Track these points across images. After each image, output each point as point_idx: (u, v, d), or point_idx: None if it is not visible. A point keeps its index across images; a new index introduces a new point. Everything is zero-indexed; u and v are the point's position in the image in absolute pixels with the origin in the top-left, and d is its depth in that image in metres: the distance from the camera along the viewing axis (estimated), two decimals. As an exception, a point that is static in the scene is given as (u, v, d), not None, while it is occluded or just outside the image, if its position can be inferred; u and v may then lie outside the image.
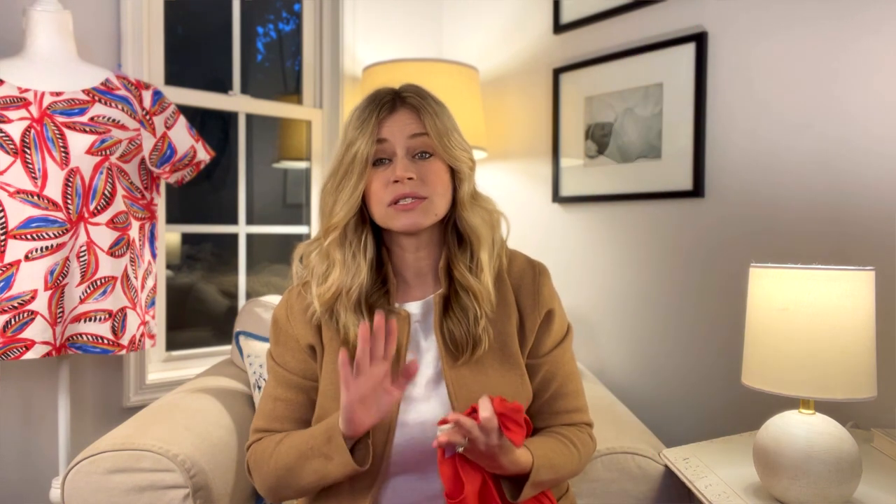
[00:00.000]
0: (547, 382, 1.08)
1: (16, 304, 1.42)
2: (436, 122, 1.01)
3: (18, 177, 1.42)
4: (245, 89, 2.24)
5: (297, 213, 2.45)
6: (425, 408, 1.01)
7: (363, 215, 1.03)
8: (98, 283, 1.51)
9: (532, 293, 1.08)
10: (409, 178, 0.97)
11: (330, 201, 1.02)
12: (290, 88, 2.42)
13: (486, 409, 0.87)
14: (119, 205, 1.55)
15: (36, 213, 1.43)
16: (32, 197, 1.43)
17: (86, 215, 1.50)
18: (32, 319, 1.43)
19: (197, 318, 2.22)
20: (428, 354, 1.04)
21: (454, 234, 1.06)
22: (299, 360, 1.06)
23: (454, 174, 1.04)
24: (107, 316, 1.52)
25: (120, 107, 1.55)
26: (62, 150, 1.46)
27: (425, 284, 1.07)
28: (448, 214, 1.05)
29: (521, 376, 1.04)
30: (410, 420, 1.00)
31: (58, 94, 1.49)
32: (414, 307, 1.05)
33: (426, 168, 1.00)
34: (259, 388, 1.57)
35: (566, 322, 1.13)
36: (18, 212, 1.42)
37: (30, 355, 1.43)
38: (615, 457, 1.25)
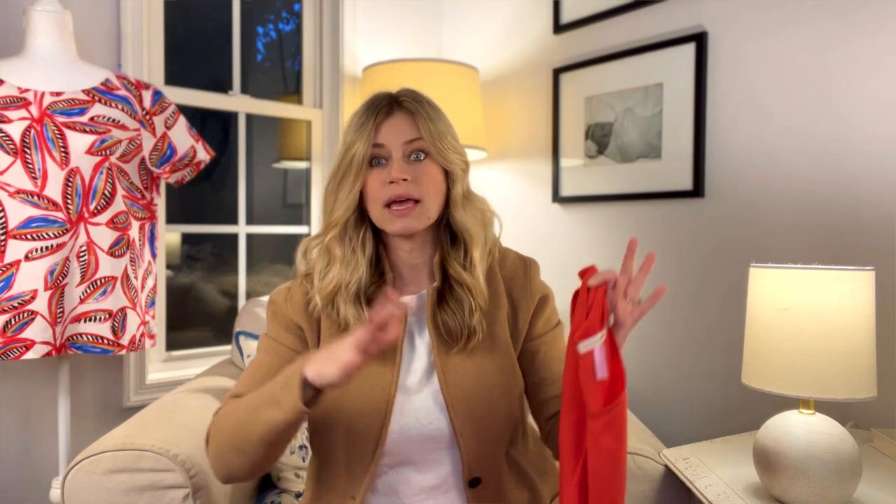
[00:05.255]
0: (548, 362, 1.10)
1: (16, 304, 1.42)
2: (430, 127, 1.05)
3: (18, 177, 1.42)
4: (245, 89, 2.24)
5: (297, 213, 2.45)
6: (418, 398, 1.04)
7: (362, 213, 1.07)
8: (98, 283, 1.51)
9: (524, 284, 1.12)
10: (404, 180, 1.01)
11: (331, 200, 1.06)
12: (290, 88, 2.42)
13: (595, 277, 0.85)
14: (119, 205, 1.55)
15: (36, 213, 1.43)
16: (32, 197, 1.43)
17: (86, 215, 1.50)
18: (32, 319, 1.43)
19: (197, 318, 2.22)
20: (421, 346, 1.07)
21: (447, 232, 1.10)
22: (292, 333, 1.08)
23: (447, 175, 1.07)
24: (107, 316, 1.52)
25: (120, 107, 1.55)
26: (62, 150, 1.46)
27: (420, 280, 1.11)
28: (441, 214, 1.08)
29: (511, 366, 1.07)
30: (405, 410, 1.03)
31: (58, 94, 1.49)
32: (409, 300, 1.09)
33: (420, 170, 1.03)
34: (259, 388, 1.57)
35: (557, 315, 1.16)
36: (18, 212, 1.42)
37: (30, 355, 1.43)
38: (615, 457, 1.24)
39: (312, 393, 0.89)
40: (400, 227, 1.02)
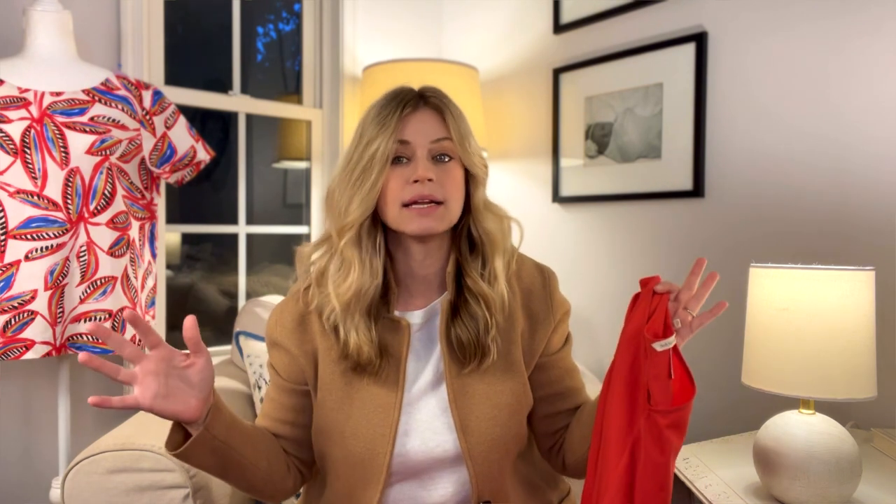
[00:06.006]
0: (561, 377, 1.08)
1: (16, 304, 1.42)
2: (458, 126, 0.99)
3: (18, 177, 1.42)
4: (245, 89, 2.24)
5: (297, 213, 2.45)
6: (424, 419, 1.00)
7: (374, 216, 0.99)
8: (98, 283, 1.51)
9: (544, 298, 1.07)
10: (429, 180, 0.95)
11: (345, 199, 0.97)
12: (290, 88, 2.42)
13: (663, 284, 0.89)
14: (119, 205, 1.55)
15: (36, 213, 1.43)
16: (32, 197, 1.43)
17: (86, 215, 1.50)
18: (32, 319, 1.43)
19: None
20: (428, 364, 1.02)
21: (466, 240, 1.03)
22: (285, 364, 1.04)
23: (469, 179, 1.02)
24: (107, 316, 1.52)
25: (120, 107, 1.55)
26: (62, 150, 1.46)
27: (429, 292, 1.04)
28: (459, 220, 1.02)
29: (523, 384, 1.03)
30: (410, 432, 0.99)
31: (58, 94, 1.49)
32: (415, 316, 1.03)
33: (445, 172, 0.97)
34: (259, 388, 1.57)
35: (568, 328, 1.13)
36: (18, 212, 1.42)
37: (30, 355, 1.43)
38: (615, 457, 1.24)
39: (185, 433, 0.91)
40: (419, 228, 0.95)
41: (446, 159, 0.98)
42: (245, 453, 0.95)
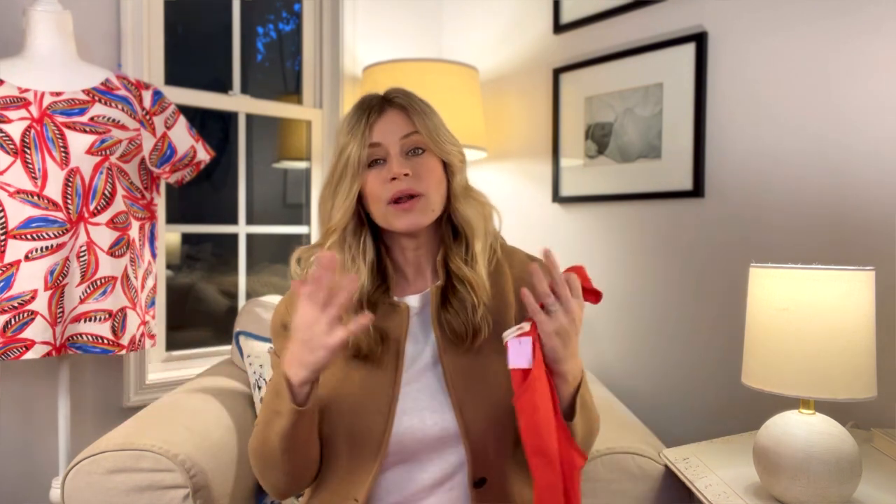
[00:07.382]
0: None
1: (16, 304, 1.42)
2: (425, 120, 1.05)
3: (18, 177, 1.42)
4: (245, 89, 2.24)
5: (297, 213, 2.45)
6: (422, 399, 1.03)
7: (361, 218, 1.06)
8: (98, 283, 1.51)
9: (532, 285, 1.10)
10: (405, 175, 1.00)
11: (328, 206, 1.05)
12: (290, 88, 2.42)
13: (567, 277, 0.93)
14: (119, 205, 1.55)
15: (36, 213, 1.43)
16: (32, 197, 1.43)
17: (86, 215, 1.50)
18: (32, 319, 1.43)
19: (197, 318, 2.22)
20: (426, 346, 1.07)
21: (448, 227, 1.09)
22: None
23: (446, 168, 1.07)
24: (107, 316, 1.52)
25: (120, 107, 1.55)
26: (62, 150, 1.46)
27: (424, 278, 1.10)
28: (443, 209, 1.08)
29: None
30: (408, 411, 1.02)
31: (58, 94, 1.49)
32: (413, 300, 1.08)
33: (420, 164, 1.03)
34: (259, 388, 1.57)
35: None
36: (18, 212, 1.42)
37: (30, 355, 1.43)
38: (615, 457, 1.25)
39: (307, 389, 0.91)
40: (407, 224, 1.01)
41: (420, 152, 1.04)
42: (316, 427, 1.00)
